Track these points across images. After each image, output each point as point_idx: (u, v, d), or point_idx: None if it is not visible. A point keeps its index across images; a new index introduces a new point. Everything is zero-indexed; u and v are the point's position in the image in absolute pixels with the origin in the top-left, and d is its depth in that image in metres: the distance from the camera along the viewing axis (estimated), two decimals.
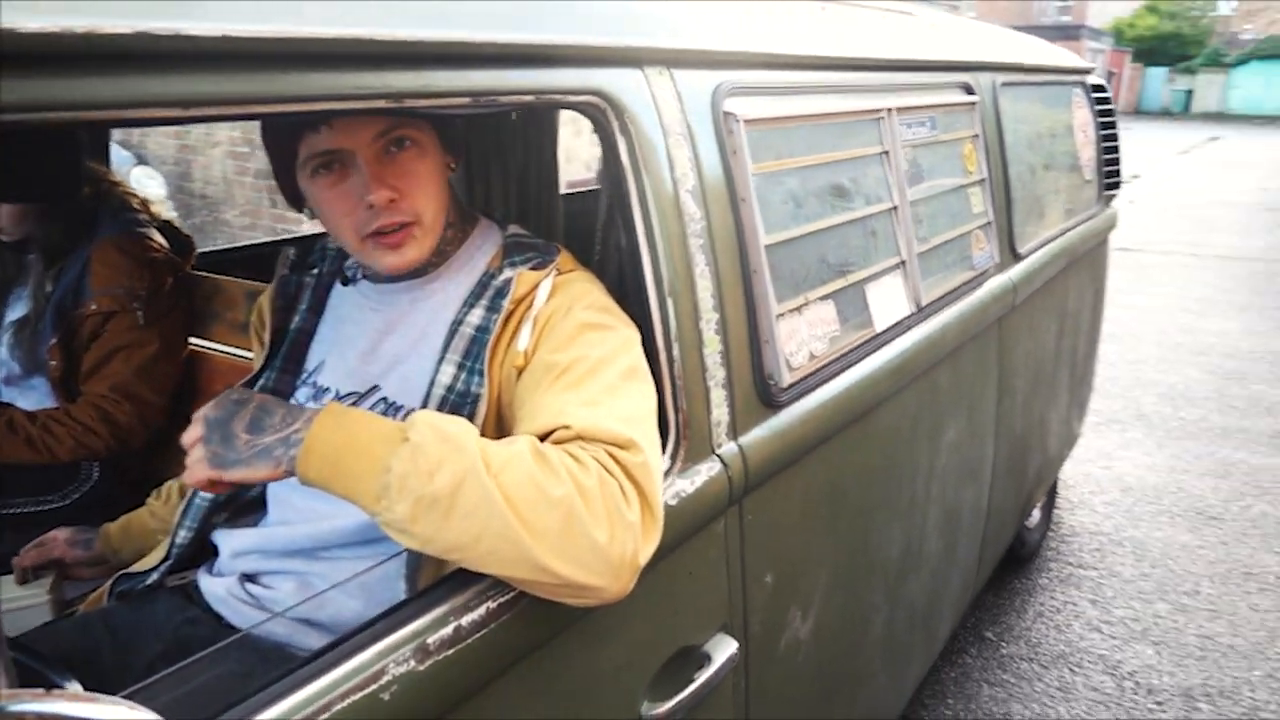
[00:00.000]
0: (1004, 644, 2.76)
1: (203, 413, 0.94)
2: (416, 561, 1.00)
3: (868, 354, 1.61)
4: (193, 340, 1.86)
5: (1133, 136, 20.83)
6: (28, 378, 1.71)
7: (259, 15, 0.73)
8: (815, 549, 1.53)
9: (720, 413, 1.25)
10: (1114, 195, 3.40)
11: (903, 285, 1.76)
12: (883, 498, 1.76)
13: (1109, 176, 3.35)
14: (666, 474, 1.15)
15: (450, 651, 0.86)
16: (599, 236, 1.40)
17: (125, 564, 1.40)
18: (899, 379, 1.72)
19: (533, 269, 1.13)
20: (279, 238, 2.11)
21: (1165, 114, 29.42)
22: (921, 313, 1.81)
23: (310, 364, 1.23)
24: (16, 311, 1.71)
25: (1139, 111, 30.01)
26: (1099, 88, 3.30)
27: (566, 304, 1.10)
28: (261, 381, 1.23)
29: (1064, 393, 3.06)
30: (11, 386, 1.72)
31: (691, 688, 1.18)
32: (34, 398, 1.71)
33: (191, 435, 0.93)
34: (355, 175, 1.07)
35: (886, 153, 1.73)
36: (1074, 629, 2.84)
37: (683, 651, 1.21)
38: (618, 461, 0.93)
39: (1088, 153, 3.13)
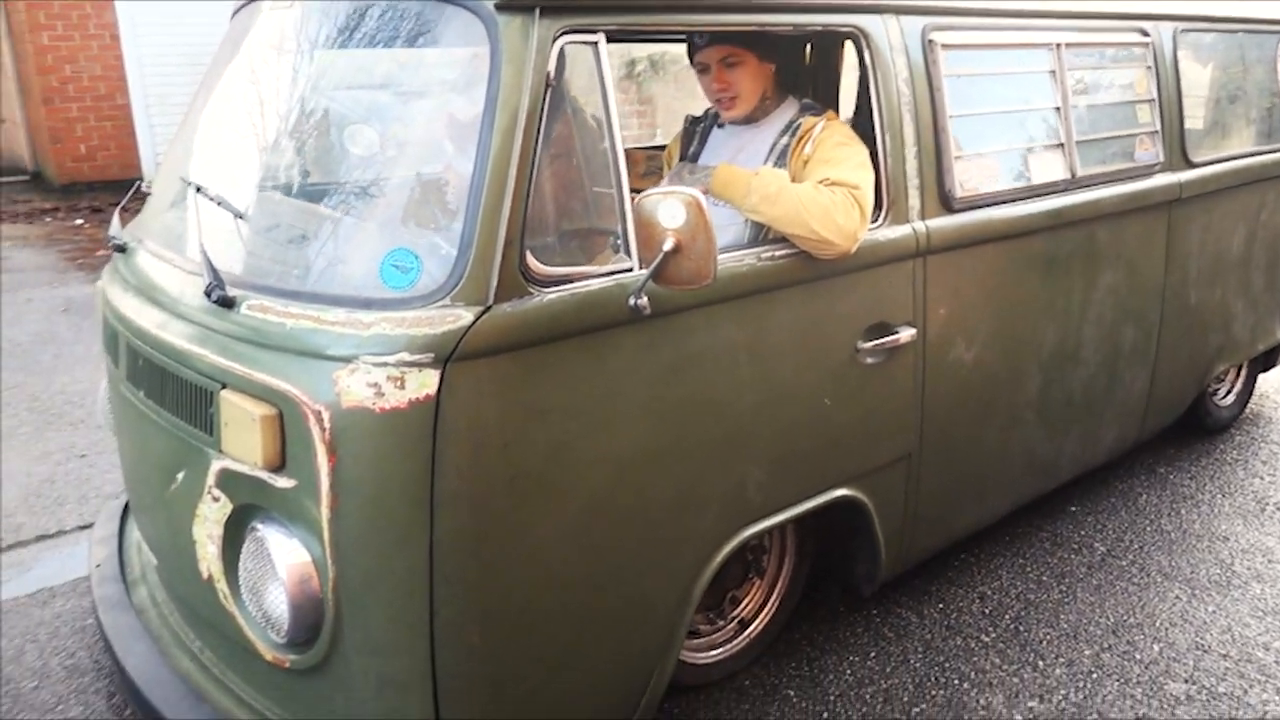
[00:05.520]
0: (1171, 475, 3.50)
1: (670, 170, 2.16)
2: (755, 231, 2.15)
3: (1027, 196, 2.56)
4: None
5: None
6: None
7: None
8: (979, 308, 2.51)
9: (914, 202, 2.29)
10: None
11: (1061, 159, 2.67)
12: (1039, 297, 2.68)
13: None
14: (877, 226, 2.21)
15: (768, 261, 2.00)
16: (853, 107, 2.48)
17: None
18: (1054, 220, 2.64)
19: (813, 116, 2.24)
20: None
21: None
22: (1076, 180, 2.70)
23: None
24: None
25: None
26: None
27: (831, 134, 2.20)
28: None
29: (1260, 291, 3.65)
30: None
31: (886, 339, 2.24)
32: None
33: (664, 180, 2.16)
34: (711, 75, 2.26)
35: (1053, 71, 2.65)
36: (1238, 474, 3.50)
37: (882, 324, 2.27)
38: (851, 194, 2.02)
39: None
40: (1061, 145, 2.68)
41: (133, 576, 2.43)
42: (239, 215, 1.94)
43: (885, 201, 2.24)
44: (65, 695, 2.34)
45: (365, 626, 1.71)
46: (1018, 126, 2.63)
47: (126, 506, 2.70)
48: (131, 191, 2.70)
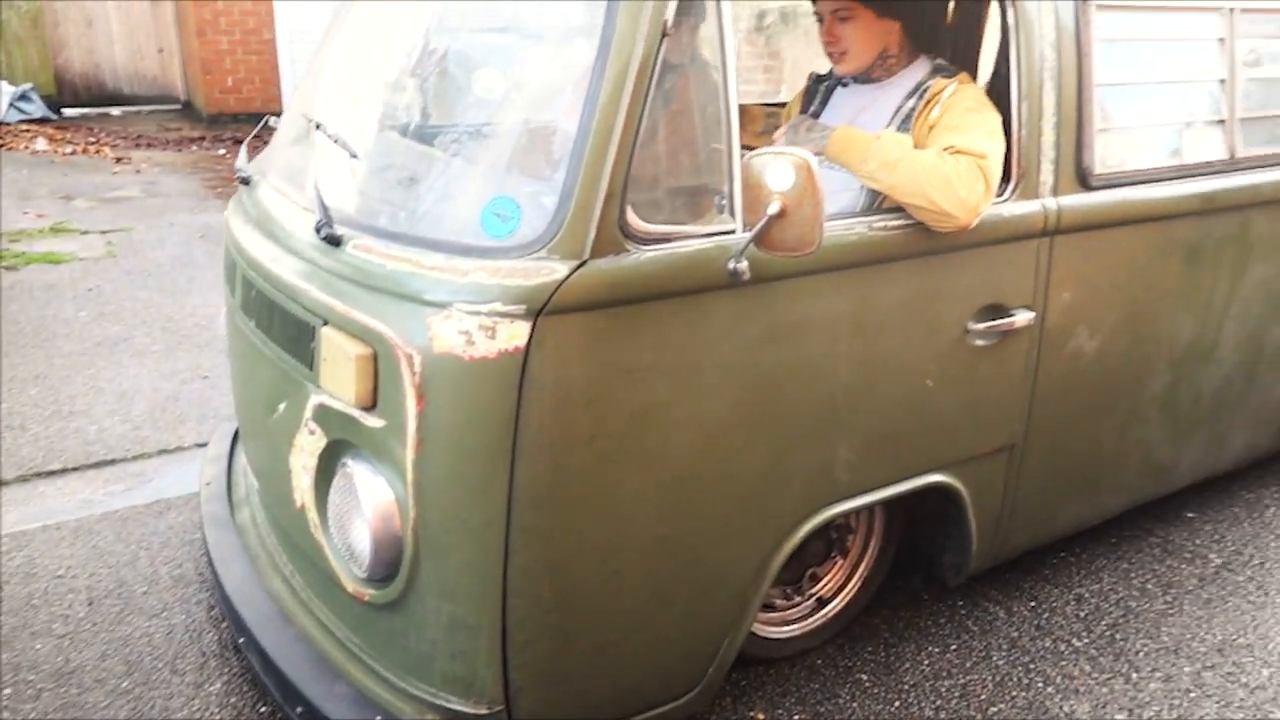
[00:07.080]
0: None
1: (788, 123, 2.07)
2: (871, 197, 2.05)
3: (1176, 176, 2.36)
4: None
5: None
6: None
7: None
8: (1108, 295, 2.34)
9: (1046, 177, 2.14)
10: None
11: (1220, 137, 2.45)
12: (1177, 288, 2.48)
13: None
14: (1003, 200, 2.07)
15: (880, 231, 1.90)
16: (991, 70, 2.32)
17: None
18: (1205, 204, 2.43)
19: (944, 79, 2.11)
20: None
21: None
22: (1235, 161, 2.48)
23: None
24: None
25: None
26: None
27: (961, 99, 2.06)
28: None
29: None
30: None
31: (1000, 321, 2.11)
32: None
33: (779, 132, 2.07)
34: (824, 26, 2.19)
35: (1223, 39, 2.42)
36: None
37: (998, 305, 2.14)
38: (976, 164, 1.90)
39: None
40: (1223, 122, 2.46)
41: (238, 497, 2.54)
42: (353, 155, 1.96)
43: (1015, 174, 2.09)
44: (170, 603, 2.48)
45: (441, 568, 1.74)
46: (1174, 99, 2.42)
47: (238, 430, 2.83)
48: (260, 126, 2.78)
